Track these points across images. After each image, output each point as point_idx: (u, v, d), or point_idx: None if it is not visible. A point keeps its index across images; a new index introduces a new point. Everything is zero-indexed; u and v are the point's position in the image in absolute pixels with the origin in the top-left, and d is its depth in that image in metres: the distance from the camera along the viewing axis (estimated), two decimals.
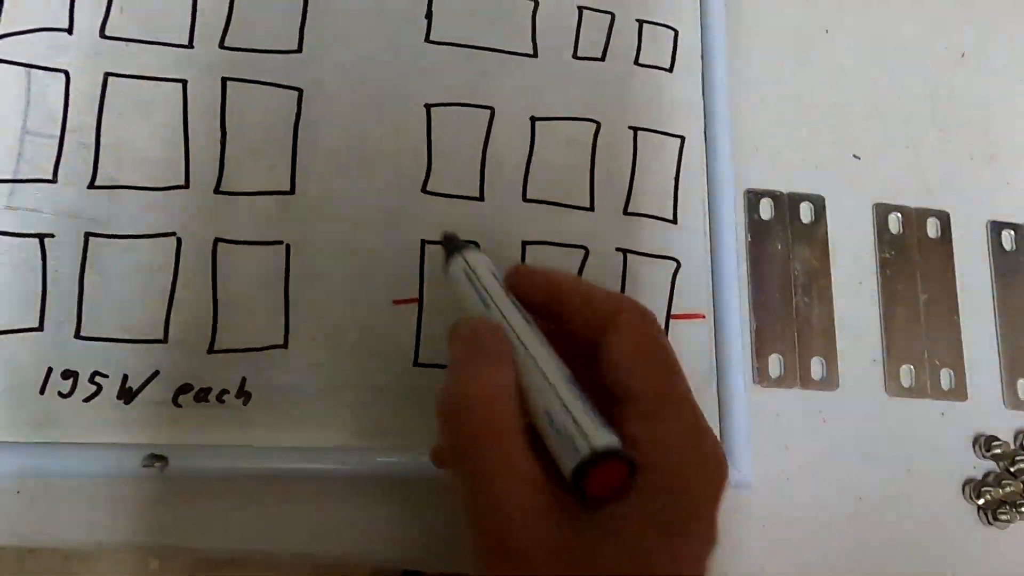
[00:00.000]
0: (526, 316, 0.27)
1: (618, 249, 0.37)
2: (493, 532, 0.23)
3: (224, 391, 0.32)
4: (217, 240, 0.33)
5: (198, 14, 0.35)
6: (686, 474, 0.24)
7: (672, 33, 0.40)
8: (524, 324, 0.26)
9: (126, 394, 0.31)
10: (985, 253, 0.42)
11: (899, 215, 0.41)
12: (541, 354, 0.26)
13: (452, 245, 0.30)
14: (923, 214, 0.41)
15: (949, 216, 0.42)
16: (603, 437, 0.23)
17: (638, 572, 0.23)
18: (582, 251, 0.36)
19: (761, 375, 0.38)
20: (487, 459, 0.24)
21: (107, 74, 0.34)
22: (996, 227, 0.42)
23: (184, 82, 0.34)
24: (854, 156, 0.42)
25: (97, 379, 0.31)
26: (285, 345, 0.33)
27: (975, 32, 0.45)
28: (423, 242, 0.35)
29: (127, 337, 0.32)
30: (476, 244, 0.31)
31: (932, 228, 0.41)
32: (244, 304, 0.33)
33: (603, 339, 0.26)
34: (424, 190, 0.36)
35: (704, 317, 0.37)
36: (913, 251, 0.41)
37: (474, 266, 0.29)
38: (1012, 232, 0.42)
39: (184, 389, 0.32)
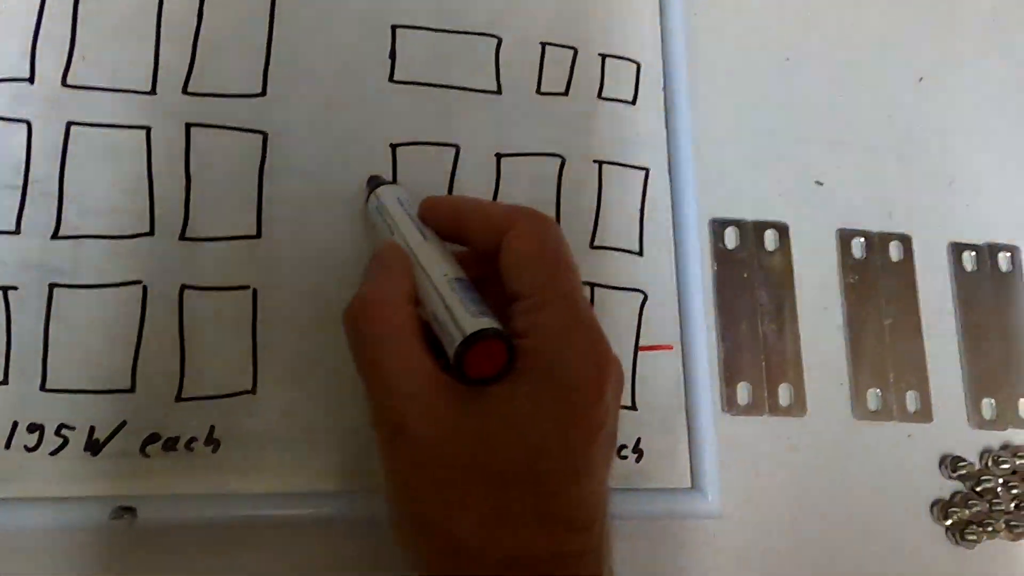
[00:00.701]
0: (425, 233, 0.30)
1: (585, 283, 0.37)
2: (390, 419, 0.26)
3: (193, 439, 0.32)
4: (183, 287, 0.33)
5: (161, 60, 0.35)
6: (565, 358, 0.26)
7: (635, 66, 0.41)
8: (420, 239, 0.30)
9: (93, 445, 0.31)
10: (947, 275, 0.43)
11: (862, 240, 0.42)
12: (430, 263, 0.28)
13: (370, 185, 0.34)
14: (885, 238, 0.42)
15: (911, 239, 0.42)
16: (475, 324, 0.25)
17: (521, 446, 0.25)
18: None
19: (730, 403, 0.38)
20: (382, 354, 0.26)
21: (69, 123, 0.34)
22: (957, 249, 0.43)
23: (148, 129, 0.34)
24: (816, 182, 0.42)
25: (64, 431, 0.31)
26: (254, 391, 0.33)
27: (931, 57, 0.46)
28: None
29: (93, 388, 0.32)
30: (395, 183, 0.34)
31: (895, 252, 0.42)
32: (212, 350, 0.33)
33: (501, 245, 0.28)
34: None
35: (672, 348, 0.38)
36: (877, 275, 0.42)
37: (383, 199, 0.32)
38: (973, 253, 0.43)
39: (152, 439, 0.32)
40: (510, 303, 0.28)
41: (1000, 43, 0.47)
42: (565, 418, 0.25)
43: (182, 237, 0.34)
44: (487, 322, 0.26)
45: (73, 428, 0.31)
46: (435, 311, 0.27)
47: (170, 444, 0.32)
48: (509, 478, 0.25)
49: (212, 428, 0.32)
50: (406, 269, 0.29)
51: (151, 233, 0.34)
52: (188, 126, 0.35)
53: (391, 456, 0.26)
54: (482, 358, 0.25)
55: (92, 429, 0.31)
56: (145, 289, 0.33)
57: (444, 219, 0.30)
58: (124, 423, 0.32)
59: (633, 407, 0.36)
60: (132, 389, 0.32)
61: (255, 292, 0.34)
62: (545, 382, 0.25)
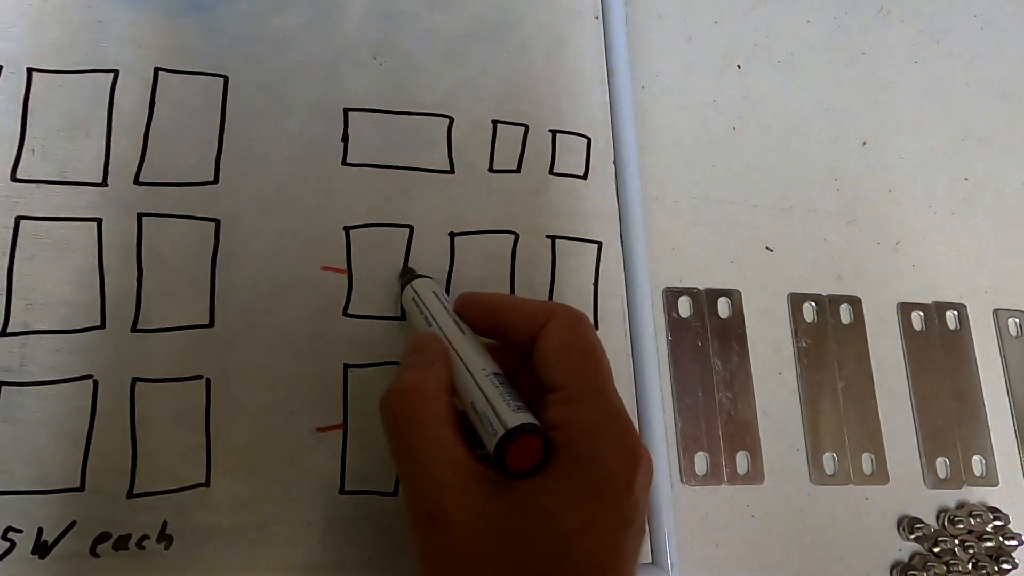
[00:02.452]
0: (462, 327, 0.31)
1: None
2: (423, 506, 0.26)
3: (145, 536, 0.32)
4: (135, 379, 0.33)
5: (112, 151, 0.35)
6: (597, 453, 0.26)
7: (585, 141, 0.41)
8: (458, 333, 0.31)
9: (41, 548, 0.31)
10: (897, 335, 0.44)
11: (813, 304, 0.43)
12: (469, 355, 0.30)
13: (405, 278, 0.35)
14: (836, 301, 0.43)
15: (861, 301, 0.43)
16: (516, 418, 0.26)
17: (552, 539, 0.25)
18: None
19: (687, 474, 0.38)
20: (418, 441, 0.27)
21: (19, 217, 0.34)
22: (905, 309, 0.44)
23: (99, 220, 0.34)
24: (767, 248, 0.43)
25: (11, 535, 0.30)
26: (207, 483, 0.33)
27: (874, 121, 0.47)
28: (346, 366, 0.35)
29: (42, 488, 0.31)
30: (430, 277, 0.35)
31: (845, 314, 0.43)
32: (164, 443, 0.33)
33: (536, 338, 0.29)
34: (345, 313, 0.36)
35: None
36: (828, 338, 0.42)
37: (420, 292, 0.34)
38: (921, 313, 0.44)
39: (102, 538, 0.31)
40: (543, 394, 0.29)
41: (940, 105, 0.49)
42: (596, 511, 0.26)
43: (134, 329, 0.34)
44: (527, 417, 0.27)
45: (21, 531, 0.31)
46: (474, 403, 0.28)
47: (121, 543, 0.31)
48: (539, 570, 0.25)
49: (165, 524, 0.32)
50: (444, 359, 0.30)
51: (102, 326, 0.33)
52: (140, 216, 0.35)
53: (423, 542, 0.26)
54: (521, 452, 0.26)
55: (40, 531, 0.31)
56: (96, 384, 0.33)
57: (481, 314, 0.32)
58: (73, 523, 0.31)
59: None
60: (82, 488, 0.31)
61: (208, 382, 0.34)
62: (577, 475, 0.26)
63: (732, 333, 0.41)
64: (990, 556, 0.40)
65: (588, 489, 0.26)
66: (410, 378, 0.29)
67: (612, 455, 0.27)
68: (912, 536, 0.40)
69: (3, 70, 0.35)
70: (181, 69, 0.37)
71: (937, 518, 0.41)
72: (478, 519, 0.26)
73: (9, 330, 0.33)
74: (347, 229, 0.37)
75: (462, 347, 0.30)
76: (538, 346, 0.29)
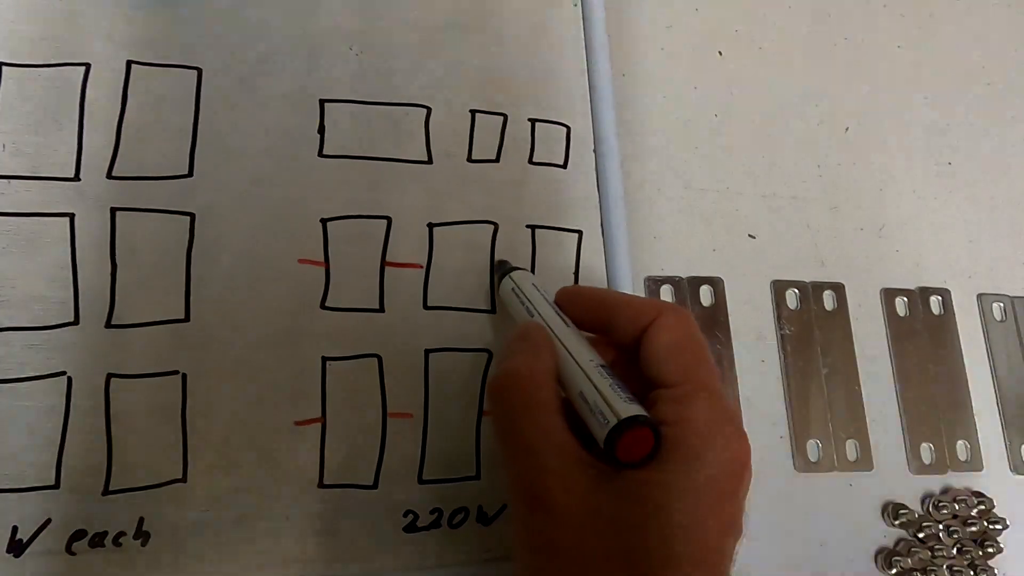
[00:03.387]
0: (564, 319, 0.32)
1: None
2: (529, 489, 0.27)
3: (121, 533, 0.31)
4: (110, 375, 0.33)
5: (84, 146, 0.35)
6: (707, 451, 0.27)
7: (564, 129, 0.41)
8: (562, 324, 0.31)
9: (16, 547, 0.30)
10: (881, 321, 0.43)
11: (796, 291, 0.43)
12: (575, 346, 0.30)
13: (502, 269, 0.36)
14: (819, 288, 0.43)
15: (844, 288, 0.43)
16: (629, 409, 0.27)
17: (660, 531, 0.25)
18: (486, 354, 0.37)
19: None
20: (527, 426, 0.27)
21: None
22: (889, 295, 0.44)
23: (71, 216, 0.34)
24: (749, 236, 0.43)
25: None
26: (184, 479, 0.32)
27: (856, 107, 0.47)
28: (324, 359, 0.35)
29: (16, 487, 0.31)
30: (526, 269, 0.36)
31: (828, 301, 0.43)
32: (140, 440, 0.32)
33: (644, 335, 0.30)
34: (323, 306, 0.36)
35: None
36: (812, 325, 0.42)
37: (520, 283, 0.35)
38: (904, 299, 0.44)
39: (78, 535, 0.31)
40: (648, 390, 0.29)
41: (923, 91, 0.48)
42: (704, 509, 0.26)
43: (108, 324, 0.33)
44: (638, 409, 0.27)
45: None
46: (583, 392, 0.28)
47: (97, 540, 0.31)
48: (643, 561, 0.25)
49: (141, 520, 0.32)
50: (550, 348, 0.30)
51: (76, 322, 0.33)
52: (113, 210, 0.35)
53: (527, 526, 0.27)
54: (632, 443, 0.26)
55: (15, 529, 0.30)
56: (70, 380, 0.32)
57: (585, 307, 0.32)
58: (49, 521, 0.31)
59: None
60: (57, 485, 0.31)
61: (184, 377, 0.33)
62: (687, 472, 0.26)
63: (715, 321, 0.41)
64: (974, 541, 0.40)
65: (698, 486, 0.26)
66: (519, 363, 0.29)
67: (723, 455, 0.27)
68: (897, 522, 0.40)
69: None
70: (154, 62, 0.37)
71: (922, 504, 0.41)
72: (585, 505, 0.26)
73: None
74: (324, 221, 0.37)
75: (568, 338, 0.30)
76: (647, 343, 0.30)
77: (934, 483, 0.41)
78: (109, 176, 0.35)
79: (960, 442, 0.42)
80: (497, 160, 0.40)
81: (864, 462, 0.40)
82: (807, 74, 0.47)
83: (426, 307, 0.37)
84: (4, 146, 0.34)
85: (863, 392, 0.42)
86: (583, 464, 0.27)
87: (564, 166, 0.41)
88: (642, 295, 0.40)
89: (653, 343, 0.29)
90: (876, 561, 0.39)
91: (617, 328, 0.31)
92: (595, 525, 0.26)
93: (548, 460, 0.27)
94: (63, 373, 0.32)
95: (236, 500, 0.33)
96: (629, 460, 0.26)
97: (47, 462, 0.31)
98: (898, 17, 0.50)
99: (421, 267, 0.37)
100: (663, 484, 0.26)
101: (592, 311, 0.32)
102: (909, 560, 0.39)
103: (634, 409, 0.27)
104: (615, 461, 0.26)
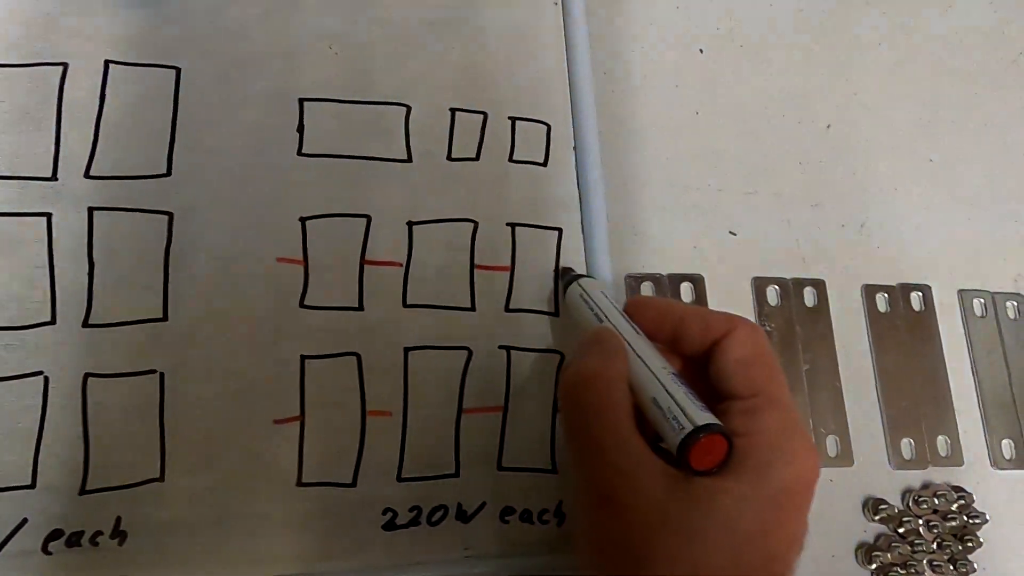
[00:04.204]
0: (634, 327, 0.32)
1: (501, 347, 0.37)
2: (601, 489, 0.27)
3: (98, 533, 0.31)
4: (87, 375, 0.33)
5: (62, 145, 0.35)
6: (777, 464, 0.27)
7: (545, 128, 0.41)
8: (633, 331, 0.32)
9: None
10: (861, 317, 0.44)
11: (777, 287, 0.43)
12: (647, 353, 0.30)
13: (568, 277, 0.37)
14: (800, 284, 0.43)
15: (825, 284, 0.43)
16: (703, 416, 0.27)
17: (729, 539, 0.26)
18: (465, 352, 0.37)
19: None
20: (599, 426, 0.28)
21: None
22: (870, 291, 0.44)
23: (49, 215, 0.34)
24: (730, 233, 0.43)
25: None
26: (162, 478, 0.32)
27: (837, 104, 0.47)
28: (303, 357, 0.35)
29: None
30: (592, 277, 0.38)
31: (809, 297, 0.43)
32: (117, 439, 0.32)
33: (716, 347, 0.30)
34: (302, 304, 0.36)
35: None
36: (793, 321, 0.42)
37: (588, 290, 0.35)
38: (885, 295, 0.44)
39: (54, 535, 0.31)
40: (717, 401, 0.29)
41: (904, 88, 0.49)
42: (772, 520, 0.27)
43: (85, 324, 0.33)
44: (712, 417, 0.27)
45: None
46: (656, 398, 0.28)
47: (74, 540, 0.31)
48: (712, 566, 0.26)
49: (119, 520, 0.32)
50: (622, 352, 0.30)
51: (53, 322, 0.33)
52: (91, 210, 0.35)
53: (596, 525, 0.28)
54: (705, 450, 0.27)
55: None
56: (47, 380, 0.32)
57: (656, 318, 0.32)
58: (25, 521, 0.31)
59: (554, 470, 0.36)
60: (33, 485, 0.31)
61: (162, 376, 0.33)
62: (757, 483, 0.27)
63: None
64: (955, 535, 0.40)
65: (768, 498, 0.26)
66: (593, 365, 0.30)
67: (793, 469, 0.27)
68: (877, 517, 0.40)
69: None
70: (132, 61, 0.37)
71: (902, 499, 0.41)
72: (655, 508, 0.26)
73: None
74: (303, 220, 0.37)
75: (639, 344, 0.31)
76: (720, 355, 0.30)
77: (914, 478, 0.41)
78: (87, 176, 0.35)
79: (940, 437, 0.42)
80: (477, 158, 0.40)
81: (844, 457, 0.41)
82: (788, 71, 0.47)
83: (405, 305, 0.37)
84: None
85: (844, 388, 0.42)
86: (654, 467, 0.27)
87: (544, 164, 0.41)
88: (622, 293, 0.40)
89: (726, 356, 0.30)
90: (856, 556, 0.39)
91: (686, 339, 0.31)
92: (664, 528, 0.26)
93: (620, 460, 0.27)
94: (40, 373, 0.32)
95: (214, 499, 0.33)
96: (701, 468, 0.27)
97: (23, 462, 0.31)
98: (880, 14, 0.50)
99: (401, 265, 0.37)
100: (733, 493, 0.26)
101: (662, 321, 0.32)
102: (889, 555, 0.39)
103: (708, 417, 0.27)
104: (687, 467, 0.27)
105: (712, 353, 0.30)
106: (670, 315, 0.32)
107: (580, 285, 0.36)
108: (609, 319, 0.33)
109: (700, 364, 0.31)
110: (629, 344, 0.31)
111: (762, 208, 0.44)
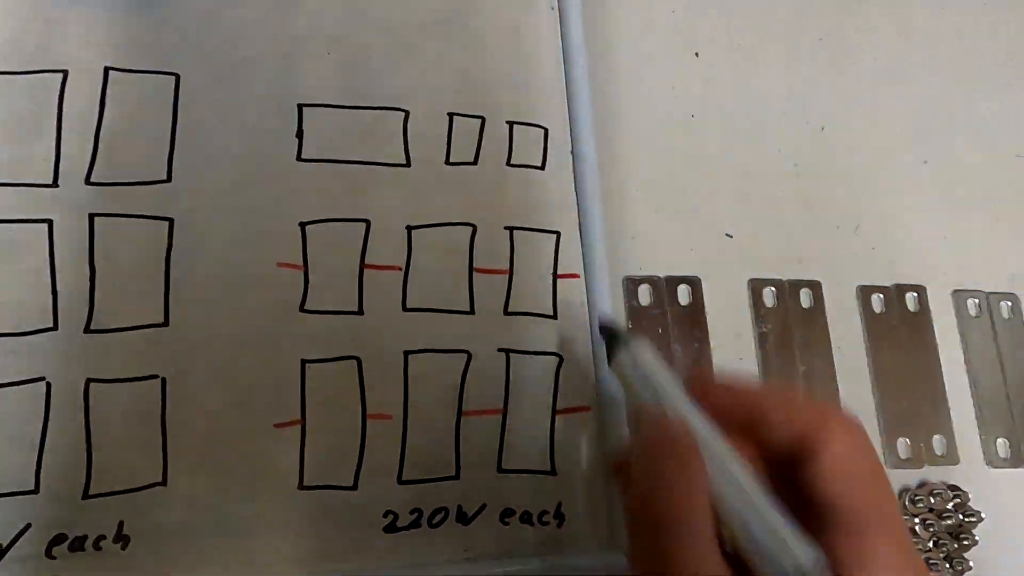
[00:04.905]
0: (706, 417, 0.27)
1: (500, 350, 0.38)
2: None
3: (101, 537, 0.31)
4: (89, 380, 0.33)
5: (62, 152, 0.35)
6: None
7: (542, 132, 0.41)
8: (705, 424, 0.27)
9: None
10: (857, 318, 0.44)
11: (773, 289, 0.43)
12: (730, 459, 0.26)
13: (614, 339, 0.32)
14: (796, 286, 0.43)
15: (820, 285, 0.44)
16: (808, 556, 0.24)
17: None
18: (465, 355, 0.37)
19: None
20: (684, 564, 0.24)
21: None
22: (865, 292, 0.44)
23: (50, 222, 0.34)
24: (727, 235, 0.44)
25: None
26: (164, 482, 0.33)
27: (832, 106, 0.47)
28: (303, 362, 0.35)
29: None
30: (639, 336, 0.33)
31: (805, 299, 0.43)
32: (120, 444, 0.33)
33: (813, 453, 0.26)
34: (302, 309, 0.36)
35: (591, 410, 0.38)
36: (789, 323, 0.43)
37: (642, 359, 0.30)
38: (881, 296, 0.44)
39: (58, 540, 0.31)
40: (814, 515, 0.25)
41: (898, 89, 0.49)
42: None
43: (87, 330, 0.33)
44: (818, 555, 0.24)
45: None
46: (749, 524, 0.25)
47: (77, 544, 0.31)
48: None
49: (121, 524, 0.32)
50: (700, 460, 0.26)
51: (55, 328, 0.33)
52: (92, 216, 0.35)
53: None
54: None
55: None
56: (49, 386, 0.32)
57: (730, 405, 0.27)
58: (28, 526, 0.31)
59: (553, 472, 0.37)
60: (36, 490, 0.31)
61: (164, 381, 0.34)
62: None
63: (693, 320, 0.41)
64: (950, 534, 0.40)
65: None
66: (667, 485, 0.25)
67: None
68: None
69: None
70: (131, 68, 0.37)
71: (898, 497, 0.41)
72: None
73: None
74: (303, 225, 0.37)
75: (720, 448, 0.26)
76: (817, 460, 0.25)
77: (911, 477, 0.42)
78: (87, 182, 0.35)
79: (936, 437, 0.43)
80: (475, 163, 0.40)
81: None
82: (783, 74, 0.47)
83: (405, 309, 0.37)
84: None
85: (840, 388, 0.42)
86: None
87: (542, 168, 0.41)
88: (620, 295, 0.41)
89: (825, 462, 0.25)
90: None
91: (765, 432, 0.27)
92: None
93: None
94: (42, 379, 0.33)
95: (216, 503, 0.33)
96: None
97: (26, 467, 0.32)
98: (875, 17, 0.50)
99: (400, 269, 0.37)
100: None
101: (735, 408, 0.27)
102: None
103: (813, 555, 0.24)
104: None
105: (803, 454, 0.26)
106: (745, 401, 0.27)
107: (632, 353, 0.31)
108: (671, 403, 0.28)
109: (783, 462, 0.26)
110: (706, 446, 0.26)
111: (758, 210, 0.44)
